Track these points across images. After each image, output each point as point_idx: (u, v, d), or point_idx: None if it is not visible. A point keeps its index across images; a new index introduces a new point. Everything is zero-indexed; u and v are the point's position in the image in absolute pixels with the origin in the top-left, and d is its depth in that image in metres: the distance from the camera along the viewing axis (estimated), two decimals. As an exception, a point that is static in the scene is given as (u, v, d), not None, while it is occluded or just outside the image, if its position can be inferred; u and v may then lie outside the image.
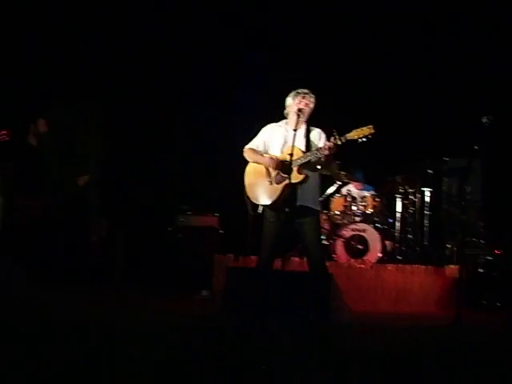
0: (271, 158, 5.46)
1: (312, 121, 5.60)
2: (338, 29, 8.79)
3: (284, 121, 5.61)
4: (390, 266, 6.95)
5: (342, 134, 5.22)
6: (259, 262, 5.62)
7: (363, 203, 7.62)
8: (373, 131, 5.09)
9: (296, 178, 5.29)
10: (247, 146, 5.67)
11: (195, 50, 9.95)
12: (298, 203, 5.36)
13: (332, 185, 7.99)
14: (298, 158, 5.30)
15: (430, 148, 7.88)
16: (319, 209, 5.79)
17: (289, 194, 5.34)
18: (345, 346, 3.91)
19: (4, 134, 6.14)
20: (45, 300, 5.62)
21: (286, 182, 5.30)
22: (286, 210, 5.18)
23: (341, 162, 7.89)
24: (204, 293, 6.87)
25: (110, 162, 10.62)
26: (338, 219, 7.71)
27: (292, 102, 5.53)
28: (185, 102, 9.89)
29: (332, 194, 7.97)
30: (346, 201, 7.70)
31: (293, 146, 5.23)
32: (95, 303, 5.70)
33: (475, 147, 5.06)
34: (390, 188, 7.90)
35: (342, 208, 7.70)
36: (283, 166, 5.35)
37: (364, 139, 5.15)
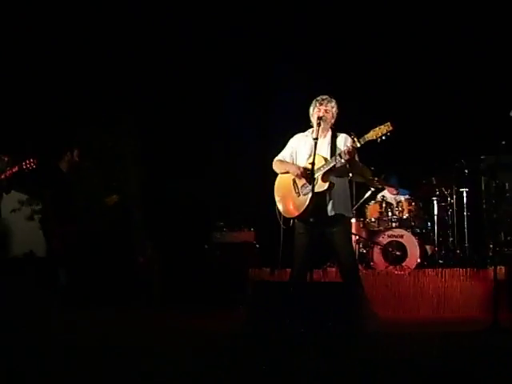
0: (297, 167, 5.39)
1: (339, 125, 5.51)
2: (357, 28, 8.73)
3: (310, 130, 5.53)
4: (428, 271, 6.77)
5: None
6: (292, 275, 5.56)
7: (399, 208, 7.47)
8: (391, 128, 4.97)
9: (320, 186, 5.23)
10: (276, 158, 5.64)
11: (231, 66, 10.01)
12: (329, 212, 5.29)
13: (367, 192, 7.84)
14: (321, 166, 5.23)
15: (464, 147, 7.66)
16: (350, 215, 5.69)
17: (316, 204, 5.25)
18: (371, 356, 3.82)
19: (32, 162, 6.23)
20: (82, 325, 5.68)
21: (313, 191, 5.22)
22: (311, 220, 5.09)
23: (374, 168, 7.82)
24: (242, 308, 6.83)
25: (149, 183, 10.80)
26: (374, 226, 7.59)
27: (312, 111, 5.47)
28: (218, 118, 9.95)
29: (367, 201, 7.83)
30: (381, 207, 7.57)
31: (314, 155, 5.17)
32: (132, 324, 5.74)
33: (502, 142, 4.87)
34: (425, 191, 7.70)
35: (377, 214, 7.58)
36: (308, 176, 5.28)
37: (383, 138, 5.03)
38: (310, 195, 5.21)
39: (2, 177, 6.26)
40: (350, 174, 7.46)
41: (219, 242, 8.21)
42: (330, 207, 5.29)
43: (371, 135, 5.07)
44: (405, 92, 8.45)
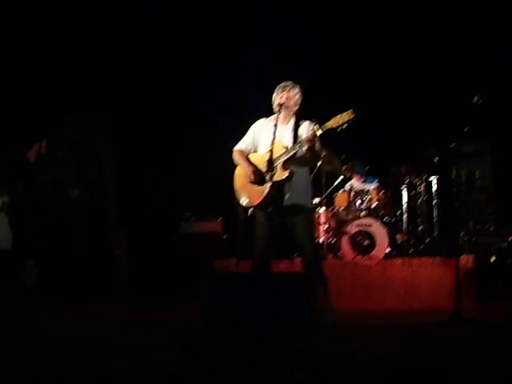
0: (250, 170, 5.20)
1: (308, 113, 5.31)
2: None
3: (273, 116, 5.31)
4: (396, 261, 6.65)
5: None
6: (254, 265, 5.40)
7: (367, 197, 7.34)
8: (353, 116, 4.79)
9: (280, 175, 5.04)
10: (236, 148, 5.43)
11: (204, 54, 9.85)
12: (288, 201, 5.13)
13: (334, 180, 7.71)
14: (281, 155, 5.06)
15: (434, 134, 7.53)
16: (311, 206, 5.53)
17: (275, 193, 5.10)
18: (328, 348, 3.69)
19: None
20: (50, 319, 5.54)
21: (272, 180, 5.06)
22: (269, 210, 4.93)
23: (344, 156, 7.68)
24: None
25: (121, 175, 10.64)
26: (342, 215, 7.45)
27: (274, 97, 5.30)
28: (189, 108, 9.79)
29: (335, 190, 7.70)
30: (349, 196, 7.44)
31: (272, 143, 5.00)
32: (93, 318, 5.60)
33: (465, 130, 4.74)
34: (394, 179, 7.56)
35: (346, 204, 7.44)
36: (259, 179, 5.11)
37: (345, 126, 4.85)
38: (268, 184, 5.06)
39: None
40: (319, 163, 7.41)
41: (186, 233, 8.05)
42: (288, 196, 5.10)
43: (332, 123, 4.89)
44: (375, 78, 8.32)
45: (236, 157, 5.39)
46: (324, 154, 7.33)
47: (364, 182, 7.78)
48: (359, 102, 7.72)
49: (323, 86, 8.25)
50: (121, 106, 10.24)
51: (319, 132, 4.94)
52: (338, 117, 4.87)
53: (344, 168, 7.49)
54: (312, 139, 4.91)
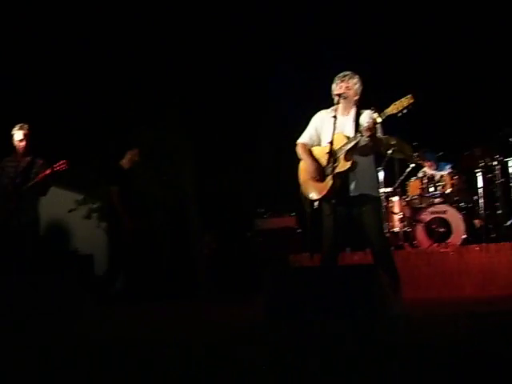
0: (314, 165, 5.20)
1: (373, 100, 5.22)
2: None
3: (333, 107, 5.28)
4: (473, 247, 6.45)
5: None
6: (322, 259, 5.40)
7: (441, 183, 7.15)
8: (412, 101, 4.70)
9: (343, 166, 5.01)
10: (299, 141, 5.42)
11: (276, 51, 9.93)
12: (354, 192, 5.09)
13: (406, 168, 7.56)
14: (343, 145, 5.03)
15: (508, 114, 7.25)
16: (378, 195, 5.44)
17: (340, 184, 5.07)
18: (393, 340, 3.63)
19: (63, 164, 6.31)
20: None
21: (336, 171, 5.04)
22: (332, 201, 4.91)
23: (417, 144, 7.54)
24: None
25: (200, 175, 10.86)
26: (416, 203, 7.30)
27: (333, 88, 5.26)
28: (262, 104, 9.87)
29: (408, 178, 7.55)
30: (422, 183, 7.28)
31: (333, 134, 4.98)
32: (166, 317, 5.72)
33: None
34: (468, 163, 7.33)
35: (419, 191, 7.29)
36: (321, 174, 5.09)
37: (405, 111, 4.76)
38: (332, 175, 5.03)
39: (37, 180, 6.35)
40: (390, 151, 7.31)
41: (261, 229, 8.12)
42: (353, 187, 5.07)
43: (391, 109, 4.82)
44: (445, 59, 8.09)
45: (300, 151, 5.39)
46: (394, 141, 7.25)
47: (436, 168, 7.60)
48: (429, 85, 7.62)
49: (389, 71, 8.13)
50: (194, 106, 10.45)
51: (379, 119, 4.88)
52: (398, 102, 4.80)
53: (415, 155, 7.34)
54: (372, 127, 4.84)
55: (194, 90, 10.25)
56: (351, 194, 5.09)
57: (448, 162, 7.59)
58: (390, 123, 5.10)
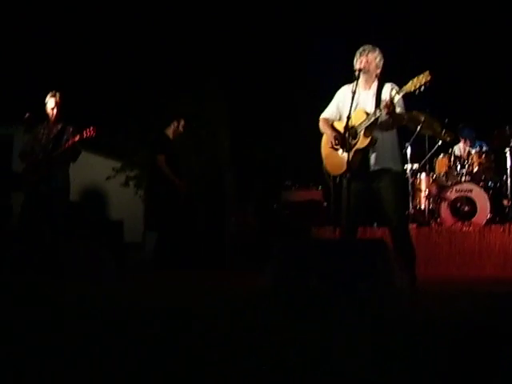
0: (333, 133, 5.22)
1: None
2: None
3: (355, 82, 5.28)
4: (496, 227, 6.39)
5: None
6: (342, 232, 5.44)
7: (468, 161, 7.08)
8: (429, 77, 4.64)
9: (362, 142, 5.01)
10: (321, 116, 5.45)
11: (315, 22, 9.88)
12: (374, 167, 5.09)
13: (435, 145, 7.49)
14: (363, 121, 5.03)
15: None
16: (399, 169, 5.39)
17: (360, 160, 5.09)
18: (395, 314, 3.68)
19: (92, 130, 6.44)
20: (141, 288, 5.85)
21: (355, 148, 5.06)
22: (347, 176, 4.93)
23: (447, 120, 7.45)
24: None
25: (236, 145, 10.96)
26: (442, 181, 7.24)
27: (354, 63, 5.24)
28: (299, 76, 9.87)
29: (436, 155, 7.49)
30: (449, 161, 7.21)
31: (354, 109, 4.99)
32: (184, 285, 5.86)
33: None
34: (498, 141, 7.21)
35: (446, 169, 7.22)
36: (342, 142, 5.10)
37: (422, 88, 4.72)
38: (353, 151, 5.05)
39: (67, 146, 6.51)
40: (419, 127, 7.25)
41: (288, 201, 8.18)
42: (373, 161, 5.07)
43: (410, 86, 4.77)
44: (473, 39, 7.95)
45: (321, 125, 5.42)
46: (423, 117, 7.17)
47: (471, 146, 7.52)
48: (463, 61, 7.50)
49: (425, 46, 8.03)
50: (232, 75, 10.49)
51: (397, 97, 4.86)
52: (415, 79, 4.75)
53: (443, 132, 7.26)
54: (390, 104, 4.81)
55: (233, 59, 10.30)
56: (371, 169, 5.09)
57: (484, 141, 7.50)
58: (421, 98, 5.07)
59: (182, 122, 7.79)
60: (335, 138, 5.16)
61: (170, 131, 7.72)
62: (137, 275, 6.98)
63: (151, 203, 10.07)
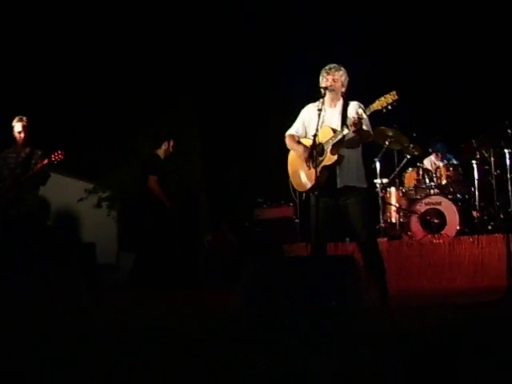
0: (303, 149, 5.26)
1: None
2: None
3: (321, 100, 5.33)
4: (465, 239, 6.46)
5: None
6: (311, 249, 5.48)
7: (437, 175, 7.18)
8: (396, 97, 4.73)
9: (329, 159, 5.07)
10: (287, 132, 5.50)
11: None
12: (341, 184, 5.14)
13: (403, 159, 7.58)
14: (330, 138, 5.08)
15: (507, 106, 7.22)
16: (365, 186, 5.44)
17: (327, 177, 5.13)
18: (361, 330, 3.69)
19: (60, 154, 6.43)
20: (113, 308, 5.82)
21: (321, 164, 5.10)
22: (315, 193, 4.97)
23: (415, 134, 7.55)
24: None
25: (209, 166, 10.97)
26: (412, 194, 7.32)
27: (320, 81, 5.31)
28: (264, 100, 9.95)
29: (404, 169, 7.58)
30: (418, 174, 7.30)
31: (317, 127, 5.03)
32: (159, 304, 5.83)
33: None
34: (465, 154, 7.33)
35: (415, 182, 7.31)
36: (319, 150, 5.14)
37: (390, 107, 4.80)
38: (319, 168, 5.08)
39: (35, 170, 6.48)
40: (387, 142, 7.34)
41: (260, 219, 8.20)
42: (339, 179, 5.12)
43: (376, 105, 4.85)
44: (443, 52, 8.10)
45: (288, 141, 5.47)
46: (391, 133, 7.29)
47: (442, 159, 7.63)
48: (430, 75, 7.61)
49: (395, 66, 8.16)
50: (205, 98, 10.53)
51: (364, 115, 4.92)
52: (382, 98, 4.83)
53: (411, 146, 7.35)
54: (357, 122, 4.87)
55: (206, 82, 10.34)
56: (338, 186, 5.14)
57: (454, 155, 7.63)
58: (389, 113, 5.13)
59: (172, 143, 7.83)
60: (305, 151, 5.18)
61: (160, 151, 7.75)
62: (110, 296, 6.92)
63: (128, 223, 10.04)
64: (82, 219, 12.69)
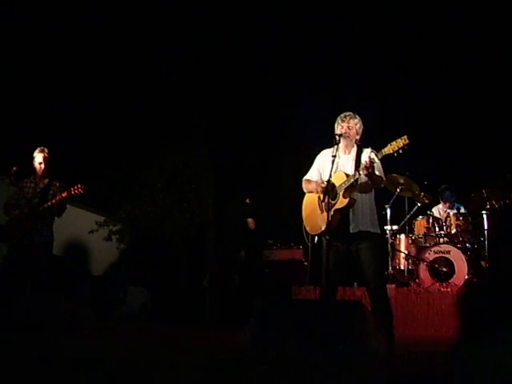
0: (319, 182, 5.37)
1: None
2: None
3: (335, 146, 5.46)
4: (472, 288, 6.50)
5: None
6: (321, 292, 5.53)
7: (446, 223, 7.25)
8: (407, 141, 4.83)
9: (341, 202, 5.17)
10: (304, 178, 5.63)
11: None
12: (353, 228, 5.23)
13: (414, 207, 7.67)
14: (343, 183, 5.19)
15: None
16: (378, 231, 5.52)
17: (338, 221, 5.22)
18: (369, 374, 3.74)
19: (79, 188, 6.54)
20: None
21: (334, 208, 5.19)
22: (327, 237, 5.05)
23: (426, 182, 7.65)
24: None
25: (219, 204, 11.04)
26: (421, 242, 7.39)
27: (335, 128, 5.44)
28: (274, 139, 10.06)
29: (415, 216, 7.66)
30: (428, 222, 7.38)
31: (331, 172, 5.15)
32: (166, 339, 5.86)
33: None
34: (475, 204, 7.42)
35: (424, 230, 7.39)
36: (331, 192, 5.24)
37: (401, 151, 4.90)
38: (331, 211, 5.17)
39: (53, 201, 6.58)
40: (398, 189, 7.43)
41: (269, 260, 8.26)
42: (352, 224, 5.22)
43: (388, 149, 4.96)
44: (455, 103, 8.24)
45: (305, 185, 5.60)
46: (402, 180, 7.39)
47: (451, 208, 7.72)
48: (443, 125, 7.74)
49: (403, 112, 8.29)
50: (218, 133, 10.65)
51: (376, 159, 5.04)
52: (394, 143, 4.94)
53: (422, 194, 7.45)
54: (369, 166, 4.99)
55: (218, 116, 10.47)
56: (350, 231, 5.23)
57: (461, 203, 7.71)
58: (401, 161, 5.24)
59: None
60: (319, 185, 5.28)
61: None
62: (118, 329, 6.96)
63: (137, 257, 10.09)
64: (91, 251, 12.79)
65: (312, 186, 5.46)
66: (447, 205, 7.82)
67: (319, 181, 5.40)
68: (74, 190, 6.57)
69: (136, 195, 11.96)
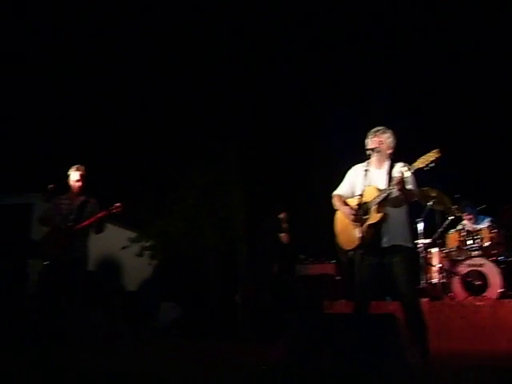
0: (349, 209, 5.40)
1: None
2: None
3: (367, 161, 5.50)
4: (508, 302, 6.45)
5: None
6: (354, 306, 5.53)
7: (479, 236, 7.20)
8: (438, 155, 4.85)
9: (374, 217, 5.18)
10: (334, 193, 5.64)
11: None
12: (386, 243, 5.24)
13: (446, 220, 7.64)
14: (375, 198, 5.21)
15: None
16: (410, 245, 5.52)
17: (372, 235, 5.23)
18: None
19: (118, 207, 6.65)
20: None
21: (367, 223, 5.22)
22: (361, 252, 5.07)
23: (458, 196, 7.63)
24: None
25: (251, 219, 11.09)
26: (454, 255, 7.35)
27: (367, 143, 5.48)
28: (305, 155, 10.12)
29: (447, 230, 7.63)
30: (460, 236, 7.34)
31: (364, 187, 5.18)
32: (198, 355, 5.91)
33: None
34: (507, 217, 7.36)
35: (457, 243, 7.35)
36: (359, 217, 5.26)
37: (432, 165, 4.92)
38: (364, 226, 5.20)
39: (91, 220, 6.67)
40: (431, 203, 7.42)
41: (302, 275, 8.29)
42: (385, 238, 5.22)
43: (419, 163, 4.98)
44: (486, 116, 8.22)
45: (335, 202, 5.61)
46: (434, 193, 7.37)
47: (475, 222, 7.66)
48: (475, 138, 7.73)
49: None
50: (250, 149, 10.74)
51: (407, 173, 5.05)
52: (425, 156, 4.96)
53: (455, 207, 7.43)
54: (401, 181, 5.01)
55: (251, 130, 10.54)
56: (383, 245, 5.23)
57: (488, 216, 7.63)
58: (432, 175, 5.26)
59: None
60: (353, 212, 5.31)
61: None
62: (151, 344, 7.02)
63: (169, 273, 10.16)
64: (123, 267, 12.94)
65: (343, 211, 5.48)
66: (471, 219, 7.71)
67: (352, 210, 5.38)
68: (113, 209, 6.68)
69: (168, 211, 12.07)
